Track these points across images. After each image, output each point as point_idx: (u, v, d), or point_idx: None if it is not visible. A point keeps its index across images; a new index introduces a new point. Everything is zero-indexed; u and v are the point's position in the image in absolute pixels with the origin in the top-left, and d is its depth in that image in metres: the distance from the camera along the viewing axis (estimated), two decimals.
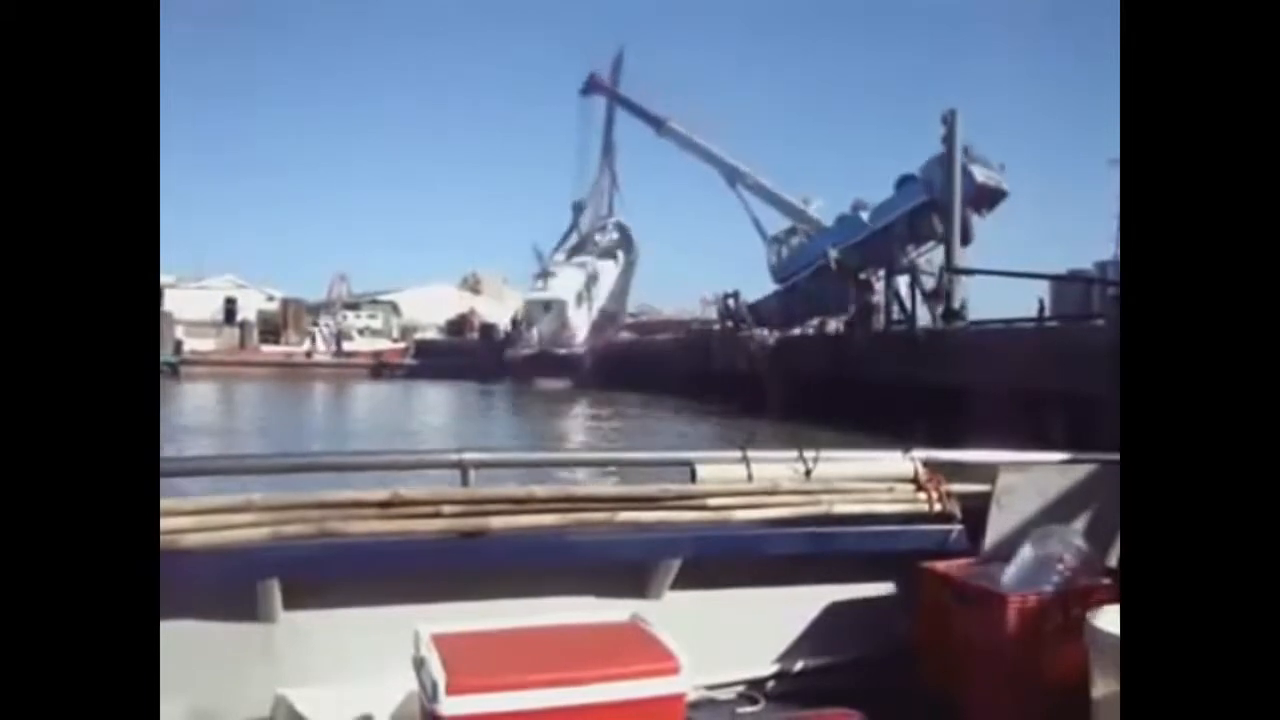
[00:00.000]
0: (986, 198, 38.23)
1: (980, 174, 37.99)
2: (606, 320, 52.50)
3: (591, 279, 52.91)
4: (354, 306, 70.45)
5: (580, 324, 49.71)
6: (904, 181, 41.07)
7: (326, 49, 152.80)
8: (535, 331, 50.66)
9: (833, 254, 41.45)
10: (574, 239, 56.45)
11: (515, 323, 55.09)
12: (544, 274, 53.39)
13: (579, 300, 50.75)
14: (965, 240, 38.42)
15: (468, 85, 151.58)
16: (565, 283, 51.97)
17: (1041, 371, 20.24)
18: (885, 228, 40.69)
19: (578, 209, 55.86)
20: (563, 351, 46.43)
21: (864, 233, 41.63)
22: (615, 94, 53.98)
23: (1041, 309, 29.86)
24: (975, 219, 38.30)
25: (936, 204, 38.37)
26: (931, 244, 39.98)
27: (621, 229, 55.45)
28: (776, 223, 46.69)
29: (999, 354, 22.98)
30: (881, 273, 40.34)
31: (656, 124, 51.84)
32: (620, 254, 54.04)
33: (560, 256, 55.55)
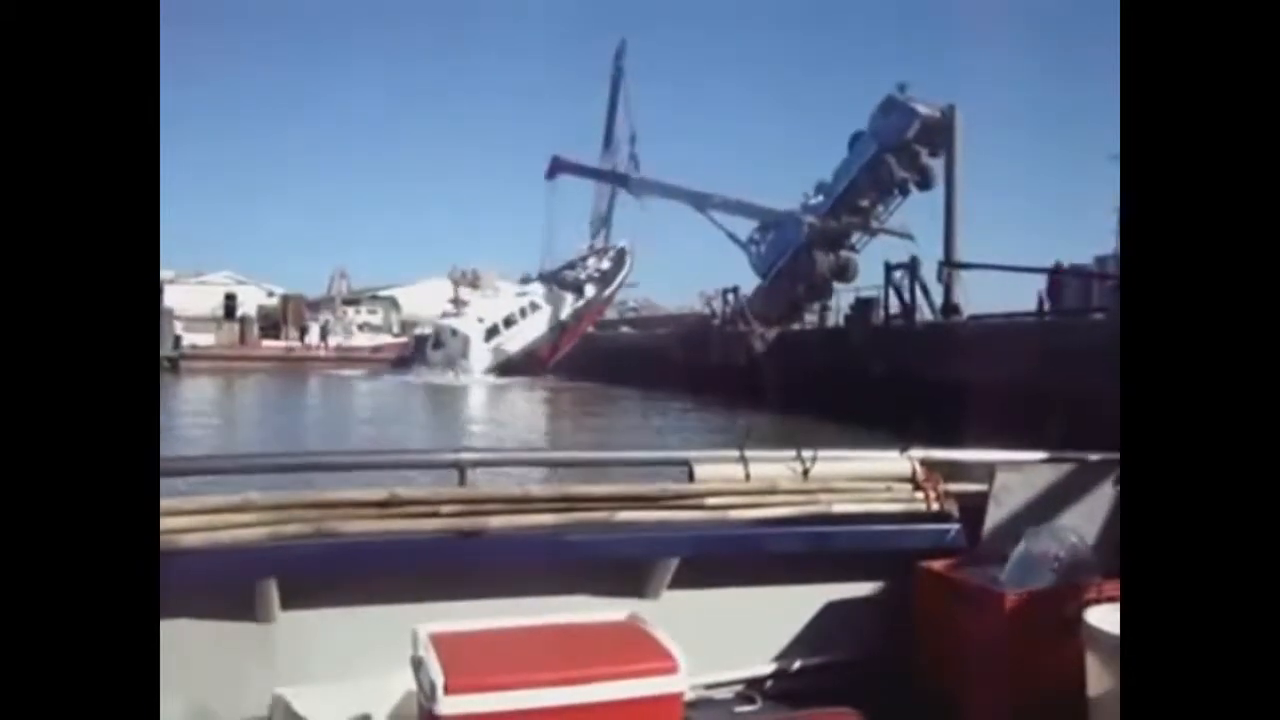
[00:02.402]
0: (933, 132, 38.91)
1: (923, 108, 38.85)
2: (554, 334, 53.93)
3: (532, 307, 54.43)
4: (354, 302, 70.43)
5: (483, 356, 51.74)
6: (855, 139, 41.76)
7: (325, 42, 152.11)
8: (439, 354, 52.93)
9: (808, 219, 41.98)
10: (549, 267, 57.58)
11: (424, 339, 56.81)
12: (458, 300, 55.29)
13: (490, 334, 52.72)
14: (924, 185, 39.75)
15: (467, 75, 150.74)
16: (488, 310, 53.97)
17: (1041, 366, 20.23)
18: (849, 186, 41.40)
19: (544, 278, 56.45)
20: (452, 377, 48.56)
21: (831, 199, 42.26)
22: (579, 168, 55.32)
23: (1041, 303, 29.85)
24: (932, 164, 39.36)
25: (889, 147, 39.41)
26: (897, 195, 41.05)
27: (616, 259, 55.91)
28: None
29: (999, 348, 22.97)
30: (865, 238, 41.34)
31: (623, 181, 53.26)
32: (591, 287, 54.95)
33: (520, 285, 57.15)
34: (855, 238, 42.52)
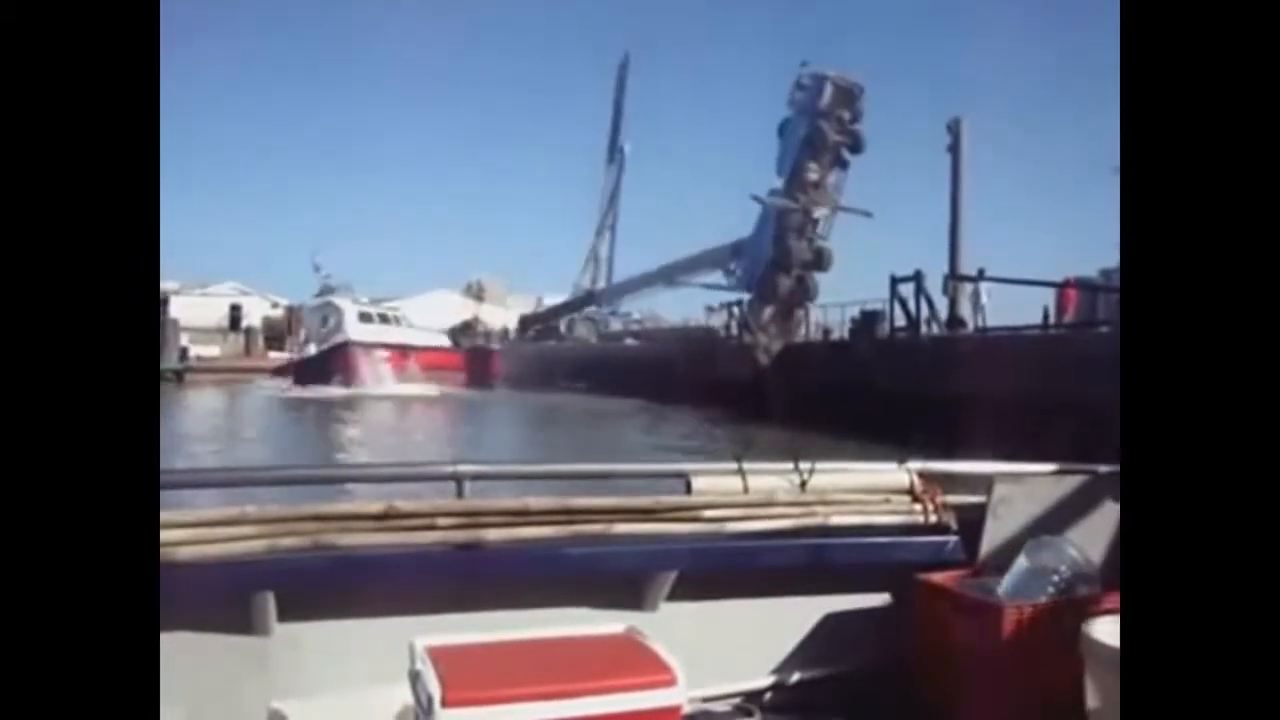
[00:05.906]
0: (846, 94, 40.43)
1: (830, 71, 40.50)
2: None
3: (403, 322, 49.90)
4: None
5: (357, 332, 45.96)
6: (784, 125, 42.54)
7: (326, 53, 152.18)
8: (303, 334, 49.33)
9: (775, 202, 42.38)
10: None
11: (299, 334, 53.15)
12: (324, 290, 49.42)
13: (364, 318, 46.81)
14: (855, 149, 41.27)
15: (467, 84, 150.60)
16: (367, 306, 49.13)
17: (1047, 378, 20.18)
18: (793, 170, 41.96)
19: (452, 331, 55.83)
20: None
21: (782, 190, 42.84)
22: (547, 314, 57.47)
23: (1047, 316, 29.81)
24: (857, 129, 40.83)
25: (816, 115, 40.65)
26: (836, 167, 42.01)
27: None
28: None
29: (1004, 361, 22.93)
30: (830, 218, 42.08)
31: (593, 299, 55.09)
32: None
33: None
34: (820, 223, 42.73)
